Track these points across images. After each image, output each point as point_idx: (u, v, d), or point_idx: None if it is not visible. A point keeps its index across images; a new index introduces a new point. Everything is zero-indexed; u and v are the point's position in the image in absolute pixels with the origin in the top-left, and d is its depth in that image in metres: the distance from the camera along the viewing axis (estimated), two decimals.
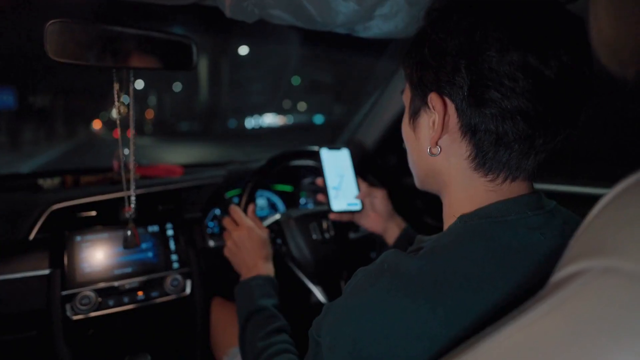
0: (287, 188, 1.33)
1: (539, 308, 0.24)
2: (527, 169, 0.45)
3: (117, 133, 0.76)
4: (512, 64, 0.39)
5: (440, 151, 0.48)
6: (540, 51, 0.39)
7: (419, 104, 0.49)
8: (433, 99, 0.45)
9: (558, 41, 0.40)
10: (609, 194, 0.26)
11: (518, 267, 0.40)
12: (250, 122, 21.75)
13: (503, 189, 0.45)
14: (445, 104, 0.45)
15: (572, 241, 0.27)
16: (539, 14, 0.41)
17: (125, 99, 0.76)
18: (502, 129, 0.42)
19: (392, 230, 0.90)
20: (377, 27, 0.73)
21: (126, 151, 0.83)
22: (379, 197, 0.92)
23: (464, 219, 0.45)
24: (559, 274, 0.25)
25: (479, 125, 0.43)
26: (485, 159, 0.44)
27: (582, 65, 0.40)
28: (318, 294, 0.98)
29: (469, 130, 0.44)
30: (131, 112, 0.79)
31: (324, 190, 0.92)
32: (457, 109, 0.44)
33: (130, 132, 0.80)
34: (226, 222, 0.90)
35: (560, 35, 0.40)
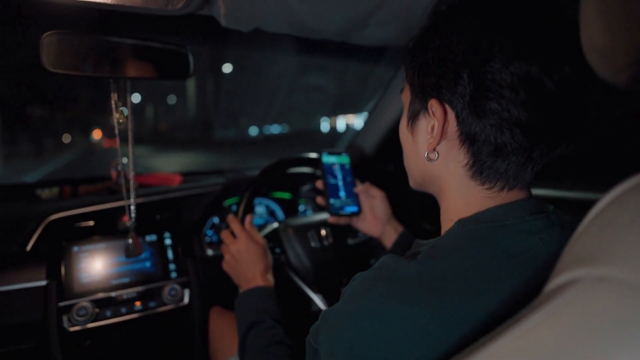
0: (286, 195, 1.33)
1: (533, 318, 0.23)
2: (525, 179, 0.44)
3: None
4: (514, 75, 0.39)
5: (437, 157, 0.47)
6: (544, 63, 0.39)
7: (419, 108, 0.48)
8: (433, 105, 0.45)
9: (562, 53, 0.39)
10: (602, 201, 0.26)
11: (517, 271, 0.39)
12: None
13: (500, 196, 0.45)
14: (445, 111, 0.44)
15: (566, 249, 0.26)
16: (545, 23, 0.40)
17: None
18: (501, 140, 0.41)
19: (389, 234, 0.90)
20: (372, 35, 0.74)
21: (124, 160, 0.83)
22: (378, 199, 0.92)
23: (461, 223, 0.45)
24: (552, 283, 0.25)
25: (478, 134, 0.42)
26: (482, 168, 0.44)
27: (584, 77, 0.40)
28: (318, 302, 0.98)
29: (468, 138, 0.43)
30: (129, 122, 0.79)
31: (323, 193, 0.92)
32: (457, 117, 0.44)
33: (129, 142, 0.81)
34: (224, 234, 0.89)
35: (565, 47, 0.39)
